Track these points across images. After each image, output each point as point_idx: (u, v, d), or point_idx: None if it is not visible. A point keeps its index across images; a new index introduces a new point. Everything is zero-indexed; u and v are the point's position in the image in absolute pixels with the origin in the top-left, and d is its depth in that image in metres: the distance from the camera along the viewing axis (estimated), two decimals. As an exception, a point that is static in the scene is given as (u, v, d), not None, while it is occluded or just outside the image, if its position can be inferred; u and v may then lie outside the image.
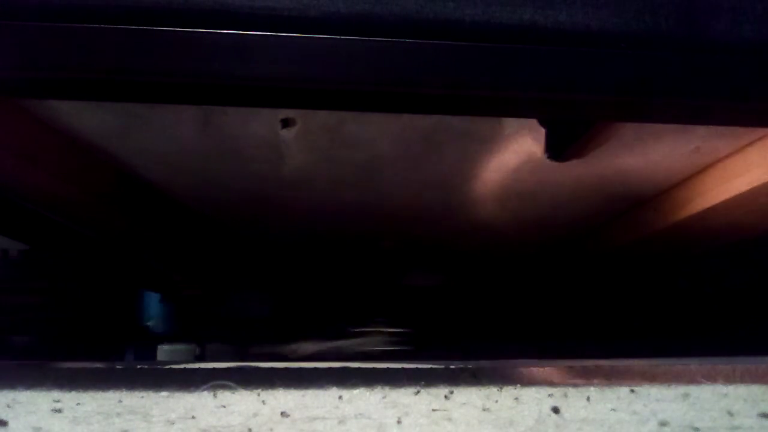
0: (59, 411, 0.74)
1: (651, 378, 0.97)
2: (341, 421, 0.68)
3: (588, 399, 0.81)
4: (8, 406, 0.76)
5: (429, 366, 1.02)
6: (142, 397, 0.85)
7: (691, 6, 0.80)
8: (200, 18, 0.75)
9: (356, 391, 0.87)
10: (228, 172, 1.39)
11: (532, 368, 1.03)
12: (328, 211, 1.67)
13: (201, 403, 0.80)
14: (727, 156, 1.29)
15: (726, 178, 1.30)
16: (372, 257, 2.32)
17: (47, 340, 1.77)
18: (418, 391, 0.87)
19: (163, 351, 1.92)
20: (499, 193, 1.52)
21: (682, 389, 0.88)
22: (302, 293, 2.57)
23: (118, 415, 0.72)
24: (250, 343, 1.96)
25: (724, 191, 1.31)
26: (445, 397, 0.83)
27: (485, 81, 0.78)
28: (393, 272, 2.59)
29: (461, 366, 1.02)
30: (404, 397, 0.83)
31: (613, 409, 0.74)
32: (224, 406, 0.77)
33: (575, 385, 0.92)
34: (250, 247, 2.11)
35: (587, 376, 0.98)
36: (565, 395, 0.84)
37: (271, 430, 0.64)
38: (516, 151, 1.27)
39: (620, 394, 0.85)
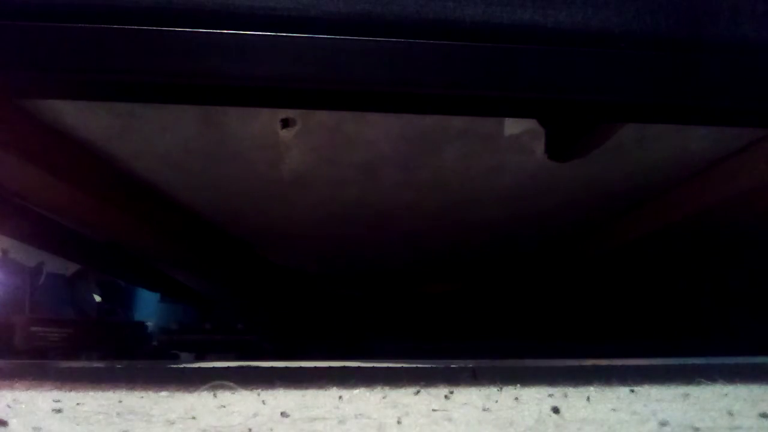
0: (59, 411, 0.74)
1: (651, 378, 0.97)
2: (341, 421, 0.68)
3: (588, 399, 0.81)
4: (8, 406, 0.76)
5: (429, 366, 1.02)
6: (142, 397, 0.85)
7: (690, 6, 0.80)
8: (200, 18, 0.75)
9: (356, 391, 0.87)
10: (228, 172, 1.39)
11: (532, 368, 1.03)
12: (327, 212, 1.67)
13: (201, 403, 0.79)
14: (727, 156, 1.29)
15: (726, 178, 1.30)
16: (370, 261, 2.32)
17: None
18: (418, 391, 0.87)
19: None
20: (498, 193, 1.51)
21: (682, 389, 0.88)
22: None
23: (118, 415, 0.72)
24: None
25: (724, 191, 1.31)
26: (445, 397, 0.83)
27: (485, 81, 0.78)
28: (392, 275, 2.59)
29: (461, 366, 1.02)
30: (404, 397, 0.83)
31: (613, 409, 0.74)
32: (224, 406, 0.77)
33: (575, 385, 0.91)
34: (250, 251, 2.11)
35: (587, 376, 0.98)
36: (565, 395, 0.84)
37: (271, 430, 0.64)
38: (516, 151, 1.27)
39: (620, 394, 0.85)
